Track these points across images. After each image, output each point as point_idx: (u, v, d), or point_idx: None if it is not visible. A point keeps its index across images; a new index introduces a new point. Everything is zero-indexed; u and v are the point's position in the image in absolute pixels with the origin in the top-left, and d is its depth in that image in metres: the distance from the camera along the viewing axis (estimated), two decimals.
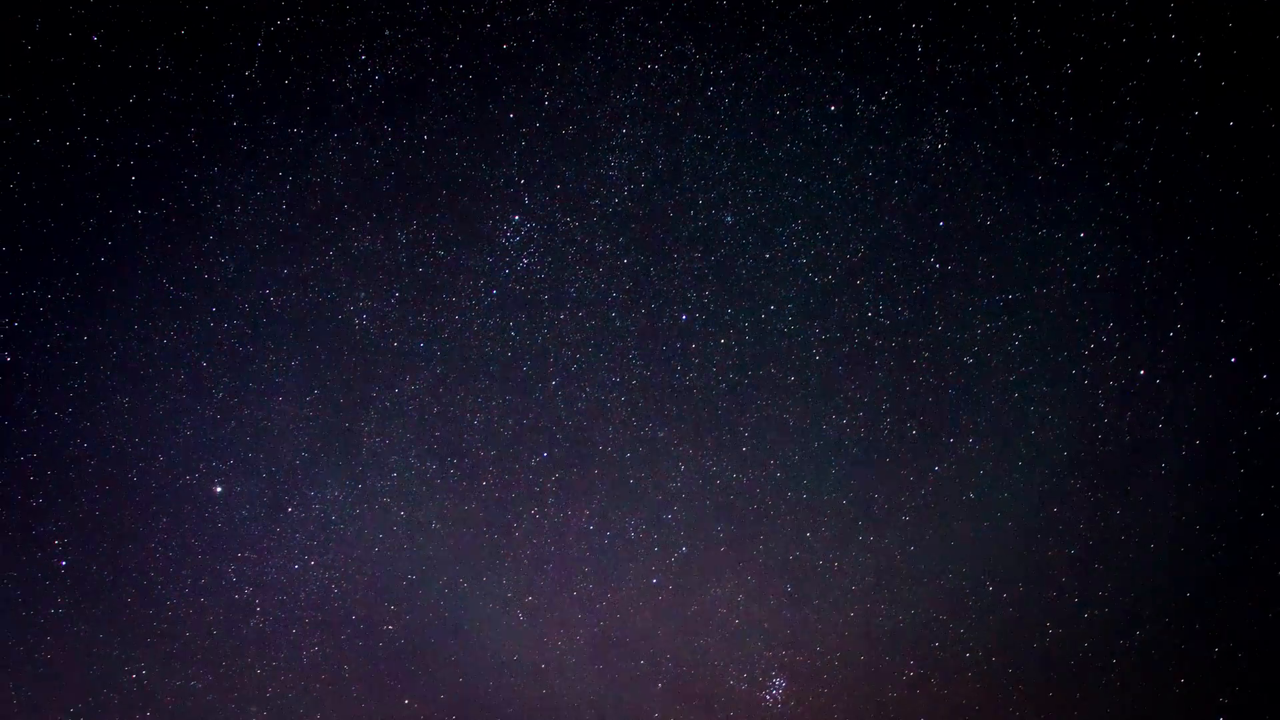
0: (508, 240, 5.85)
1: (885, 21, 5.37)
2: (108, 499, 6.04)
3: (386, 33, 5.44)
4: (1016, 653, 6.28)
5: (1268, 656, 6.08)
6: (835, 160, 5.69)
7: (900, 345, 5.94)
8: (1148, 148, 5.50)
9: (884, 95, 5.54)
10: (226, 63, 5.42)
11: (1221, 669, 6.14)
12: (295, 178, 5.66)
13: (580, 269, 5.91)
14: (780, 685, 6.44)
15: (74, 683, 6.24)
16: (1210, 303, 5.66)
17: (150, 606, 6.20)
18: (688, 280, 5.92)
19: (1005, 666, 6.29)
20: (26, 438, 5.88)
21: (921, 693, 6.33)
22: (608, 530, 6.32)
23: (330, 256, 5.81)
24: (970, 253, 5.80)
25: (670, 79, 5.57)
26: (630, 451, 6.22)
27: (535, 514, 6.27)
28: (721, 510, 6.25)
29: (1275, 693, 6.11)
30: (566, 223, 5.82)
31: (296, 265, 5.81)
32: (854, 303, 5.90)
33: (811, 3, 5.38)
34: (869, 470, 6.14)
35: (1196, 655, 6.17)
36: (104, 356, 5.81)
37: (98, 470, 6.00)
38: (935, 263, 5.82)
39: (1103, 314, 5.79)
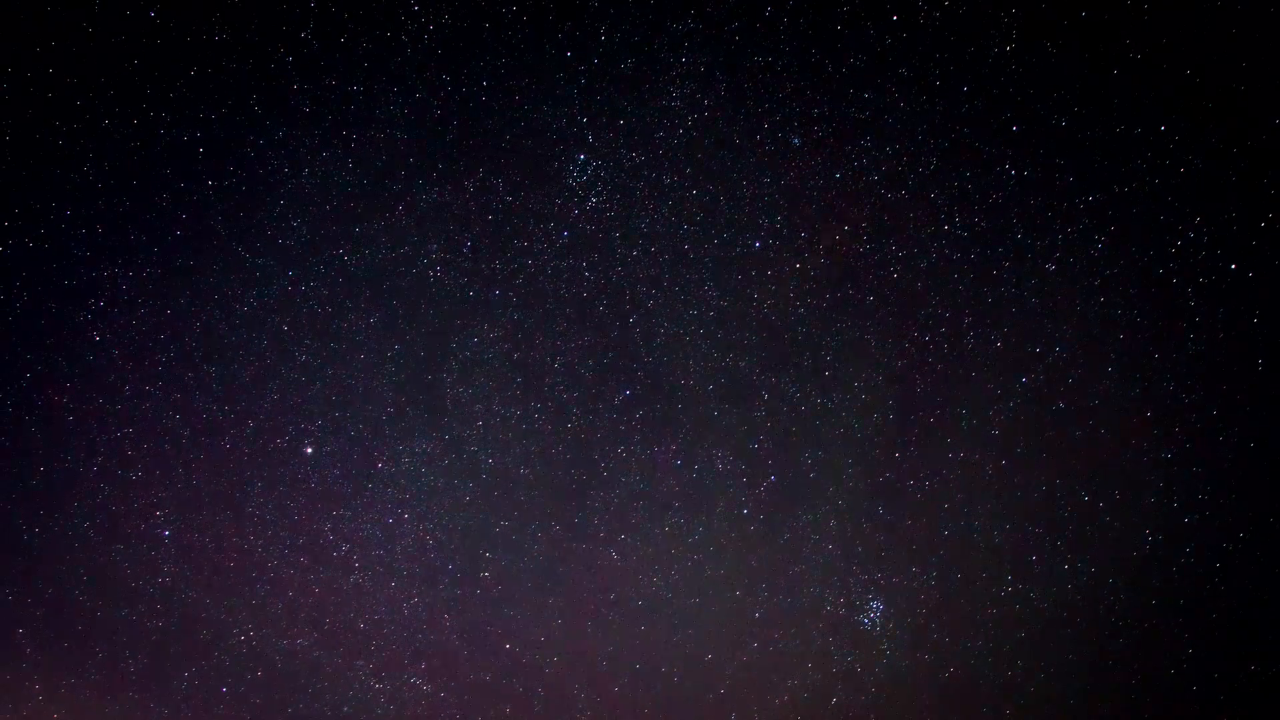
0: (575, 180, 5.82)
1: None
2: (203, 468, 6.20)
3: None
4: (1115, 563, 6.18)
5: None
6: (901, 71, 5.54)
7: (980, 256, 5.81)
8: (1230, 30, 5.26)
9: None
10: (282, 26, 5.43)
11: None
12: (359, 135, 5.69)
13: (649, 203, 5.87)
14: (878, 608, 6.45)
15: (185, 649, 6.47)
16: None
17: (252, 569, 6.38)
18: (759, 207, 5.84)
19: (1105, 576, 6.19)
20: (121, 414, 6.05)
21: (1021, 608, 6.27)
22: (695, 464, 6.33)
23: (399, 211, 5.85)
24: (1046, 156, 5.63)
25: (726, 2, 5.46)
26: (712, 383, 6.20)
27: (621, 452, 6.29)
28: (808, 436, 6.21)
29: None
30: (632, 158, 5.76)
31: (367, 223, 5.86)
32: (930, 216, 5.77)
33: None
34: (955, 385, 6.03)
35: None
36: (188, 329, 5.94)
37: (191, 440, 6.16)
38: (1010, 169, 5.67)
39: (1189, 209, 5.59)
